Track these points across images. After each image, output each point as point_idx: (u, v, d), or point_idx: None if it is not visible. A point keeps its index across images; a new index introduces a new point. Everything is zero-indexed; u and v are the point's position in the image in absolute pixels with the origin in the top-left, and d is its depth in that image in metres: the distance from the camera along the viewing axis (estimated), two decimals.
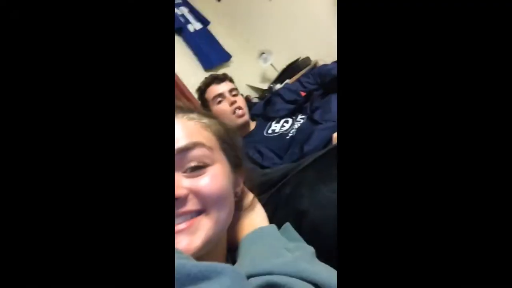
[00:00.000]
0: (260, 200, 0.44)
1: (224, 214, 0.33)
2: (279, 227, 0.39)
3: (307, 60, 1.78)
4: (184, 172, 0.32)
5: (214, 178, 0.33)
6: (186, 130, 0.34)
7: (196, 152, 0.33)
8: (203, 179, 0.32)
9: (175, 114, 0.36)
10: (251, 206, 0.41)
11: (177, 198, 0.30)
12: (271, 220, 0.41)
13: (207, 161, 0.34)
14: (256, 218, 0.40)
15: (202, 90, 1.18)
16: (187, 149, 0.33)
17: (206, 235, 0.31)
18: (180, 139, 0.33)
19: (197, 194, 0.32)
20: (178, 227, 0.30)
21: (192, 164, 0.33)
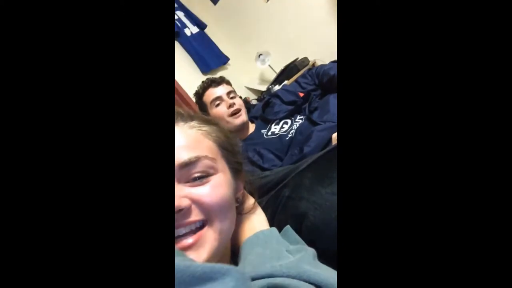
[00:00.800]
0: (260, 203, 0.44)
1: (226, 224, 0.34)
2: (279, 229, 0.39)
3: (305, 60, 1.78)
4: (187, 182, 0.33)
5: (216, 188, 0.34)
6: (188, 140, 0.35)
7: (200, 165, 0.33)
8: (205, 189, 0.33)
9: (176, 122, 0.36)
10: (252, 210, 0.41)
11: (180, 209, 0.30)
12: (270, 223, 0.41)
13: (210, 171, 0.34)
14: (256, 221, 0.40)
15: (199, 94, 1.18)
16: (191, 162, 0.33)
17: (211, 248, 0.31)
18: (183, 152, 0.33)
19: (199, 204, 0.32)
20: (184, 242, 0.31)
21: (195, 175, 0.33)
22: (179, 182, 0.32)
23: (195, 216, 0.32)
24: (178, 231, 0.31)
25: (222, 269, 0.21)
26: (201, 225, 0.32)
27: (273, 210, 0.44)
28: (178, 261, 0.21)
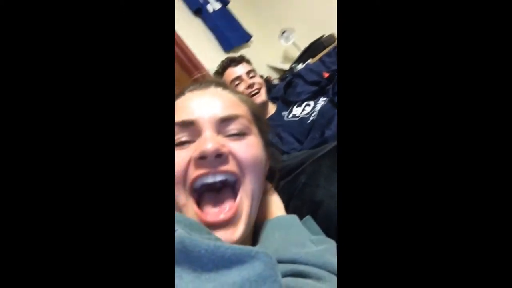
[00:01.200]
0: (276, 187, 0.43)
1: (257, 188, 0.35)
2: (294, 215, 0.38)
3: (331, 37, 1.69)
4: (225, 136, 0.34)
5: (251, 147, 0.35)
6: (228, 101, 0.37)
7: (237, 122, 0.35)
8: (241, 145, 0.34)
9: (216, 87, 0.39)
10: (268, 192, 0.41)
11: (220, 154, 0.31)
12: (286, 208, 0.40)
13: (246, 130, 0.36)
14: (274, 204, 0.40)
15: (219, 73, 1.17)
16: (230, 118, 0.35)
17: (246, 217, 0.32)
18: (223, 109, 0.35)
19: (235, 156, 0.33)
20: (223, 215, 0.31)
21: (232, 131, 0.35)
22: (218, 134, 0.34)
23: (232, 166, 0.32)
24: (214, 177, 0.32)
25: (251, 252, 0.21)
26: (234, 182, 0.33)
27: (289, 196, 0.43)
28: (208, 241, 0.21)
